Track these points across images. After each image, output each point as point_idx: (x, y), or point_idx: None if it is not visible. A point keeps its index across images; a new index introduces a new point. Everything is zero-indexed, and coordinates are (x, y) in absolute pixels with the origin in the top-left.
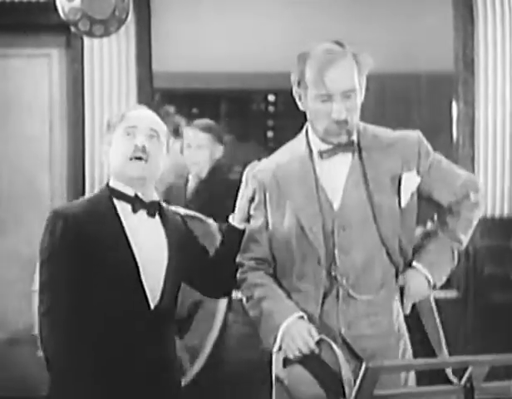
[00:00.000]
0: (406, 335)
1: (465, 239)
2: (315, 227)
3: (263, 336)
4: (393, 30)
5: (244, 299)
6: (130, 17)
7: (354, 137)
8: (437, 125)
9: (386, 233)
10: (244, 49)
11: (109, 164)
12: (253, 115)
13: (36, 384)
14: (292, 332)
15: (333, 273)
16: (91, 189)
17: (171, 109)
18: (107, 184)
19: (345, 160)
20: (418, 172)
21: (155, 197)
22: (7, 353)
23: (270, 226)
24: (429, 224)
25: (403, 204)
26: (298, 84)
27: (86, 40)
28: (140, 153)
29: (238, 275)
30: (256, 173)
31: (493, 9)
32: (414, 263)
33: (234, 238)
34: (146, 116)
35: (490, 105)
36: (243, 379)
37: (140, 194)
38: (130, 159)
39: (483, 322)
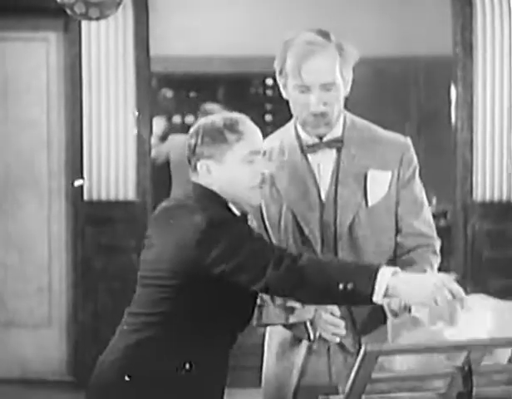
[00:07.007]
0: None
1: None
2: (311, 223)
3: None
4: (391, 14)
5: None
6: (128, 1)
7: (339, 132)
8: (436, 109)
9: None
10: (242, 33)
11: (212, 180)
12: (251, 98)
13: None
14: None
15: None
16: (89, 172)
17: (169, 93)
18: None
19: (330, 156)
20: (398, 179)
21: None
22: (5, 335)
23: (266, 220)
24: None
25: (370, 204)
26: (280, 72)
27: (84, 24)
28: (263, 182)
29: None
30: None
31: None
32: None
33: None
34: (260, 136)
35: (489, 88)
36: None
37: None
38: (253, 187)
39: None
